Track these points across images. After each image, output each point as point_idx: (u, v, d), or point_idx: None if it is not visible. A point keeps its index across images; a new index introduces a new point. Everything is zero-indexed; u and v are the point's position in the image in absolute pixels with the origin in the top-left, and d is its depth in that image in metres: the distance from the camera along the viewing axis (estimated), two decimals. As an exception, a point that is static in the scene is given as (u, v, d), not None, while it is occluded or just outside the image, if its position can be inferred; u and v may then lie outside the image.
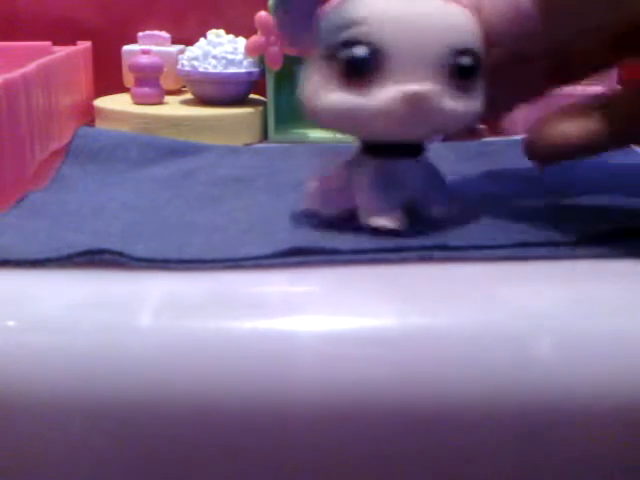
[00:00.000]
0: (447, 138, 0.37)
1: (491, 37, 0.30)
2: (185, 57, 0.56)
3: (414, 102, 0.28)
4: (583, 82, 0.56)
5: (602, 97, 0.33)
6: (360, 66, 0.28)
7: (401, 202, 0.31)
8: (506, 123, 0.58)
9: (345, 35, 0.28)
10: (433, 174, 0.32)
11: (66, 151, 0.44)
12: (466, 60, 0.29)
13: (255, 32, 0.54)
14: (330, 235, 0.30)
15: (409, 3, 0.29)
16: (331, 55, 0.29)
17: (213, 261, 0.29)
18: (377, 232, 0.30)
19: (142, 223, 0.33)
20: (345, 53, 0.28)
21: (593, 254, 0.29)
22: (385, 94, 0.28)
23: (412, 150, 0.31)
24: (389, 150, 0.31)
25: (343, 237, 0.30)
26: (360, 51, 0.28)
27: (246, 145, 0.53)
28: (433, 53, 0.28)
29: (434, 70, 0.28)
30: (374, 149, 0.31)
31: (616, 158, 0.45)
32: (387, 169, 0.31)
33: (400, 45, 0.28)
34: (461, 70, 0.29)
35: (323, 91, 0.29)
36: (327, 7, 0.30)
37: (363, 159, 0.31)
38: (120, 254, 0.28)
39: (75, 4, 0.69)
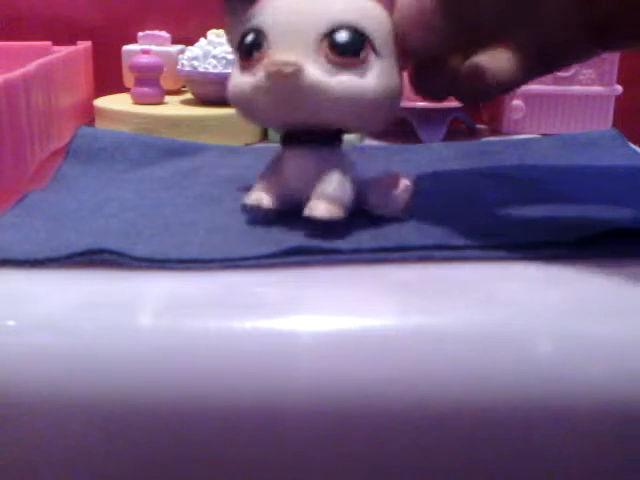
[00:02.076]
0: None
1: (403, 40, 0.31)
2: (185, 57, 0.56)
3: (276, 72, 0.29)
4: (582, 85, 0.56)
5: None
6: (247, 50, 0.31)
7: (278, 187, 0.32)
8: (505, 123, 0.58)
9: (246, 27, 0.31)
10: (327, 170, 0.31)
11: (66, 151, 0.44)
12: (341, 36, 0.29)
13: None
14: (330, 235, 0.30)
15: None
16: (238, 46, 0.32)
17: (213, 261, 0.29)
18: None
19: (142, 223, 0.33)
20: (241, 41, 0.31)
21: (593, 254, 0.29)
22: (259, 72, 0.30)
23: (316, 138, 0.32)
24: (292, 138, 0.32)
25: (343, 237, 0.30)
26: (249, 38, 0.31)
27: (246, 145, 0.53)
28: (308, 29, 0.30)
29: (308, 47, 0.29)
30: (282, 138, 0.33)
31: (616, 158, 0.46)
32: (280, 156, 0.33)
33: (277, 27, 0.30)
34: (334, 44, 0.29)
35: (232, 78, 0.32)
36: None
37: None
38: (120, 254, 0.28)
39: (75, 4, 0.69)
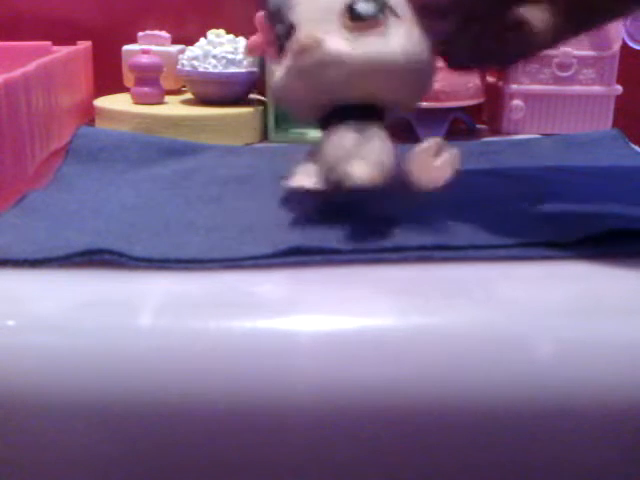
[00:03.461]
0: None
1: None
2: (185, 57, 0.56)
3: (298, 47, 0.31)
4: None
5: None
6: (281, 44, 0.32)
7: (319, 168, 0.32)
8: (505, 123, 0.58)
9: (279, 17, 0.32)
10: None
11: (66, 151, 0.44)
12: (360, 5, 0.31)
13: (255, 32, 0.54)
14: (330, 235, 0.30)
15: None
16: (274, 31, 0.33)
17: (212, 261, 0.29)
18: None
19: (142, 223, 0.33)
20: (278, 36, 0.32)
21: (593, 254, 0.29)
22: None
23: (353, 114, 0.32)
24: (329, 120, 0.33)
25: (343, 237, 0.30)
26: (281, 31, 0.32)
27: (246, 145, 0.53)
28: (327, 8, 0.31)
29: (329, 23, 0.31)
30: (321, 123, 0.33)
31: (617, 159, 0.46)
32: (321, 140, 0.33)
33: (303, 11, 0.32)
34: (355, 14, 0.31)
35: (277, 74, 0.33)
36: None
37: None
38: (119, 254, 0.28)
39: (75, 4, 0.69)
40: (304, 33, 0.31)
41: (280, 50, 0.32)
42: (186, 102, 0.58)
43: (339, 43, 0.30)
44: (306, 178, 0.32)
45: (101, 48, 0.64)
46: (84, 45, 0.61)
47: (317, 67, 0.31)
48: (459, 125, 0.59)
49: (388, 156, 0.31)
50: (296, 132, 0.55)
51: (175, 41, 0.63)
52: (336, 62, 0.30)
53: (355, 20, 0.30)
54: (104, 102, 0.57)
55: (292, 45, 0.31)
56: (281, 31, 0.32)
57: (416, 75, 0.32)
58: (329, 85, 0.31)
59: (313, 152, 0.33)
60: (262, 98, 0.58)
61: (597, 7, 0.31)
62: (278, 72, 0.32)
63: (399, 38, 0.31)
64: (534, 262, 0.29)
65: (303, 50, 0.30)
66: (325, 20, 0.31)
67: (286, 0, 0.32)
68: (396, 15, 0.31)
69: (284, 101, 0.34)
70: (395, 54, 0.31)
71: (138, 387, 0.24)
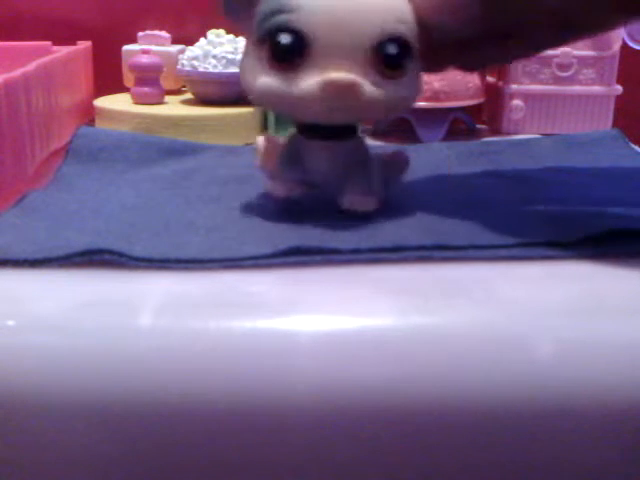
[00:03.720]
0: (376, 124, 0.38)
1: (432, 22, 0.30)
2: (185, 57, 0.56)
3: (333, 90, 0.29)
4: (584, 83, 0.56)
5: None
6: (285, 53, 0.29)
7: (301, 178, 0.32)
8: (505, 123, 0.58)
9: (275, 21, 0.29)
10: (355, 162, 0.32)
11: (66, 151, 0.44)
12: (392, 49, 0.29)
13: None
14: (330, 235, 0.30)
15: None
16: (263, 39, 0.30)
17: (212, 261, 0.29)
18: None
19: (141, 223, 0.33)
20: (273, 39, 0.29)
21: (593, 254, 0.29)
22: (307, 81, 0.29)
23: (334, 133, 0.32)
24: (311, 130, 0.32)
25: (343, 237, 0.30)
26: (285, 38, 0.29)
27: (246, 145, 0.53)
28: (358, 41, 0.29)
29: (358, 58, 0.29)
30: (300, 127, 0.33)
31: (617, 159, 0.46)
32: (298, 146, 0.33)
33: (325, 33, 0.29)
34: (387, 58, 0.29)
35: (256, 73, 0.31)
36: None
37: (295, 134, 0.33)
38: (119, 254, 0.28)
39: (75, 4, 0.69)
40: (340, 75, 0.29)
41: (275, 53, 0.30)
42: (186, 102, 0.58)
43: (371, 88, 0.29)
44: (281, 185, 0.33)
45: (101, 48, 0.64)
46: (84, 45, 0.61)
47: (348, 105, 0.30)
48: (459, 125, 0.59)
49: (379, 181, 0.33)
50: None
51: (175, 41, 0.64)
52: (368, 104, 0.30)
53: (384, 65, 0.30)
54: (104, 102, 0.57)
55: (326, 84, 0.29)
56: (276, 33, 0.29)
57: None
58: (346, 114, 0.31)
59: (286, 160, 0.33)
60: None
61: (594, 19, 0.31)
62: (270, 80, 0.30)
63: (415, 83, 0.32)
64: (534, 262, 0.29)
65: (342, 93, 0.29)
66: (351, 53, 0.29)
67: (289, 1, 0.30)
68: (414, 58, 0.31)
69: (276, 109, 0.33)
70: (411, 99, 0.32)
71: (138, 387, 0.24)
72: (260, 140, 0.35)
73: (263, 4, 0.30)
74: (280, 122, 0.55)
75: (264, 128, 0.55)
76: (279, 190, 0.32)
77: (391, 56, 0.29)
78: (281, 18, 0.29)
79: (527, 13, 0.30)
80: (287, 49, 0.29)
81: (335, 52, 0.29)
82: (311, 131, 0.32)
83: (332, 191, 0.32)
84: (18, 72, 0.40)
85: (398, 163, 0.35)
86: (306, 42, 0.29)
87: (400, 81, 0.30)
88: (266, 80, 0.30)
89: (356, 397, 0.23)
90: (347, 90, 0.29)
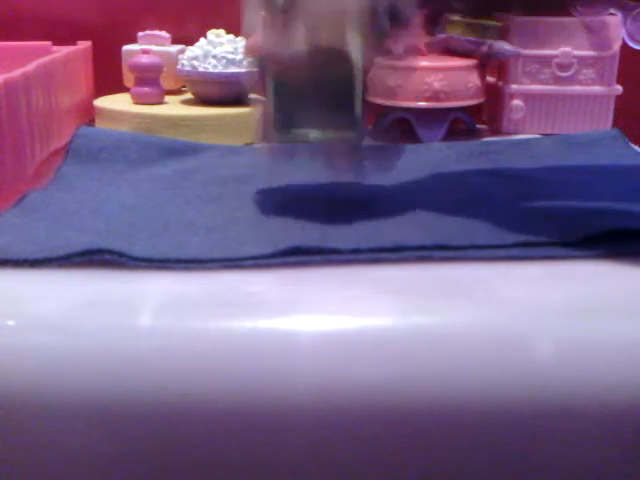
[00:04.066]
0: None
1: None
2: (185, 57, 0.56)
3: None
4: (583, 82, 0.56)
5: None
6: (276, 9, 0.31)
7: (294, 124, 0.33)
8: (505, 123, 0.58)
9: None
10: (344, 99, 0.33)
11: (66, 151, 0.44)
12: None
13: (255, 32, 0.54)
14: (330, 235, 0.30)
15: None
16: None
17: (212, 261, 0.29)
18: None
19: (141, 223, 0.33)
20: None
21: (593, 254, 0.29)
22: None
23: None
24: None
25: (343, 237, 0.30)
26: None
27: (246, 145, 0.53)
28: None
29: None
30: None
31: (617, 158, 0.46)
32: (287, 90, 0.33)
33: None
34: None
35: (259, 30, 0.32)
36: None
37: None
38: (119, 254, 0.28)
39: (75, 4, 0.69)
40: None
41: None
42: (186, 102, 0.58)
43: None
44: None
45: (101, 48, 0.64)
46: (84, 45, 0.61)
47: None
48: (459, 125, 0.59)
49: None
50: (296, 132, 0.55)
51: (175, 41, 0.63)
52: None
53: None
54: (104, 102, 0.57)
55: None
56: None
57: None
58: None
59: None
60: (262, 98, 0.58)
61: None
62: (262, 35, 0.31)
63: None
64: (534, 262, 0.29)
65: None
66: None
67: None
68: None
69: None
70: None
71: (138, 387, 0.24)
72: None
73: None
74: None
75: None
76: (266, 136, 0.33)
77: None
78: None
79: None
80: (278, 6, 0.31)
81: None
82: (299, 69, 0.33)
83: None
84: (18, 72, 0.40)
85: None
86: None
87: None
88: (264, 37, 0.32)
89: (356, 397, 0.23)
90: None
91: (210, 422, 0.24)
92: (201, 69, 0.55)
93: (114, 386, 0.24)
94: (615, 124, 0.57)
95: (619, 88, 0.57)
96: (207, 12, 0.65)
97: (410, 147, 0.50)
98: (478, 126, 0.60)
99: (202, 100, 0.57)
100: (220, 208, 0.35)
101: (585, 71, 0.57)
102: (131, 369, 0.24)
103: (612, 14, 0.53)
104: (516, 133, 0.57)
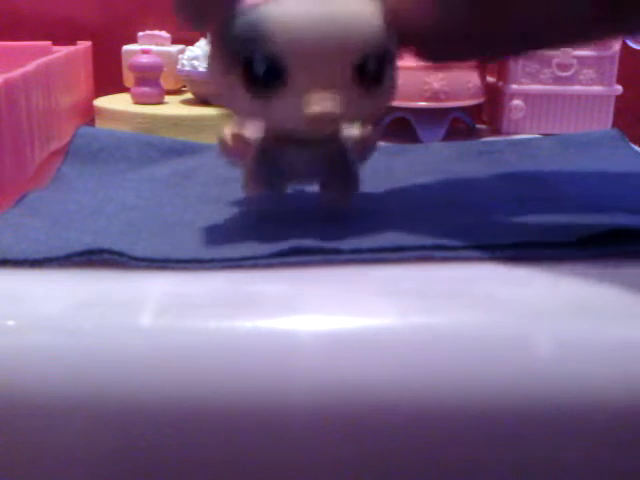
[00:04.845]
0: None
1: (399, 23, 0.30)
2: (185, 57, 0.56)
3: (317, 123, 0.29)
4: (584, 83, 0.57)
5: None
6: (260, 81, 0.29)
7: (278, 177, 0.32)
8: (505, 123, 0.58)
9: (248, 47, 0.28)
10: (334, 161, 0.32)
11: (66, 151, 0.44)
12: (372, 64, 0.29)
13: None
14: (330, 235, 0.30)
15: (313, 11, 0.28)
16: (235, 57, 0.29)
17: (212, 261, 0.29)
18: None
19: (142, 223, 0.33)
20: (248, 66, 0.29)
21: (593, 254, 0.29)
22: (287, 109, 0.29)
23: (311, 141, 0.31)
24: (288, 139, 0.31)
25: (343, 237, 0.30)
26: (260, 67, 0.28)
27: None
28: (338, 64, 0.28)
29: (337, 80, 0.29)
30: (276, 135, 0.32)
31: (617, 159, 0.46)
32: (272, 147, 0.31)
33: (303, 59, 0.28)
34: (368, 74, 0.29)
35: (228, 87, 0.30)
36: (241, 4, 0.29)
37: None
38: (119, 254, 0.28)
39: (75, 4, 0.69)
40: (321, 107, 0.28)
41: (253, 80, 0.29)
42: (186, 102, 0.58)
43: (350, 109, 0.29)
44: (256, 185, 0.32)
45: (101, 48, 0.64)
46: (84, 45, 0.61)
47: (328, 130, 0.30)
48: (459, 125, 0.59)
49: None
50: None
51: (175, 41, 0.64)
52: (346, 120, 0.30)
53: (364, 81, 0.29)
54: (104, 102, 0.57)
55: (307, 118, 0.28)
56: (251, 61, 0.29)
57: None
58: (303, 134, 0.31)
59: (263, 155, 0.32)
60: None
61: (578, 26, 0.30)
62: (248, 103, 0.30)
63: (391, 87, 0.31)
64: (534, 262, 0.29)
65: (322, 126, 0.29)
66: (330, 76, 0.28)
67: (262, 25, 0.28)
68: (391, 63, 0.31)
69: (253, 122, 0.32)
70: (387, 104, 0.32)
71: (138, 387, 0.24)
72: (227, 134, 0.33)
73: (233, 25, 0.29)
74: None
75: None
76: (253, 189, 0.32)
77: (369, 71, 0.29)
78: (255, 45, 0.28)
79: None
80: (262, 78, 0.29)
81: (314, 76, 0.28)
82: (288, 140, 0.31)
83: (310, 186, 0.33)
84: (18, 72, 0.40)
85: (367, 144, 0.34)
86: (283, 68, 0.28)
87: (380, 88, 0.30)
88: (242, 105, 0.30)
89: (356, 397, 0.23)
90: (331, 121, 0.29)
91: (210, 422, 0.24)
92: (201, 69, 0.55)
93: (114, 386, 0.24)
94: (615, 124, 0.57)
95: (619, 88, 0.57)
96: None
97: (410, 147, 0.50)
98: (478, 126, 0.60)
99: (202, 100, 0.57)
100: (220, 208, 0.35)
101: (585, 71, 0.57)
102: (131, 369, 0.24)
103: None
104: (516, 133, 0.58)
